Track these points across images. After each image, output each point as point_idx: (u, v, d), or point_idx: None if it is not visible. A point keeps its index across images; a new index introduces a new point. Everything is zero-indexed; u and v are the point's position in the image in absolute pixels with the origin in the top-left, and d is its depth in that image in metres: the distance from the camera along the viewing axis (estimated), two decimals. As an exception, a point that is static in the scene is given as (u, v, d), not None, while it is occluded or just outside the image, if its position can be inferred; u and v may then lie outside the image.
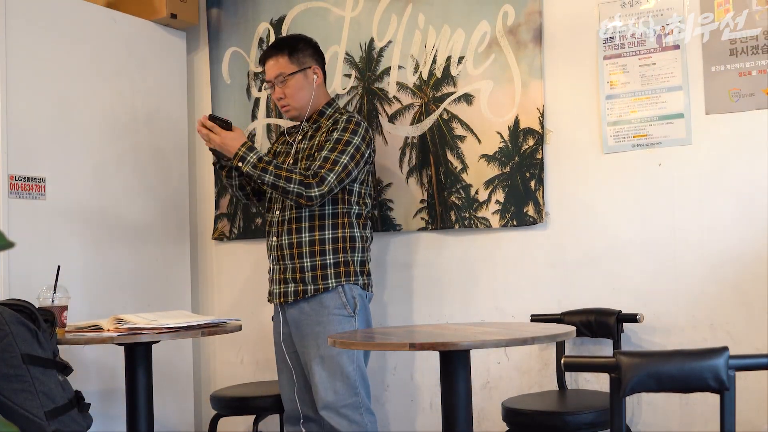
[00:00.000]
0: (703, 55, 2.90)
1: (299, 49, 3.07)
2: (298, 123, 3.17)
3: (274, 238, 3.04)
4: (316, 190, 2.85)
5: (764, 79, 2.80)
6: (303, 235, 2.97)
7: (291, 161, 3.07)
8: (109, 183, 3.52)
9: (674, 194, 2.94)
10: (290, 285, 2.99)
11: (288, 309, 3.02)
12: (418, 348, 2.18)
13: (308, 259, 2.96)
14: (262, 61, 3.14)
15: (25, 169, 3.18)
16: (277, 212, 3.04)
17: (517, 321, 3.16)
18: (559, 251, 3.13)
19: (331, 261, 2.96)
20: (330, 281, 2.94)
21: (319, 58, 3.13)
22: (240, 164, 2.88)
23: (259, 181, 2.90)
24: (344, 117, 3.01)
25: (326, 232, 2.97)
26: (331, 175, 2.87)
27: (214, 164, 3.20)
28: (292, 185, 2.84)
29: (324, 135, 2.99)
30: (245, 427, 3.73)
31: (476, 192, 3.25)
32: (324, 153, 2.91)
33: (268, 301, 3.14)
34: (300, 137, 3.11)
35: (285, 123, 3.56)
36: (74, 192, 3.37)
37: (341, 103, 3.52)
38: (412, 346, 2.14)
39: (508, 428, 2.79)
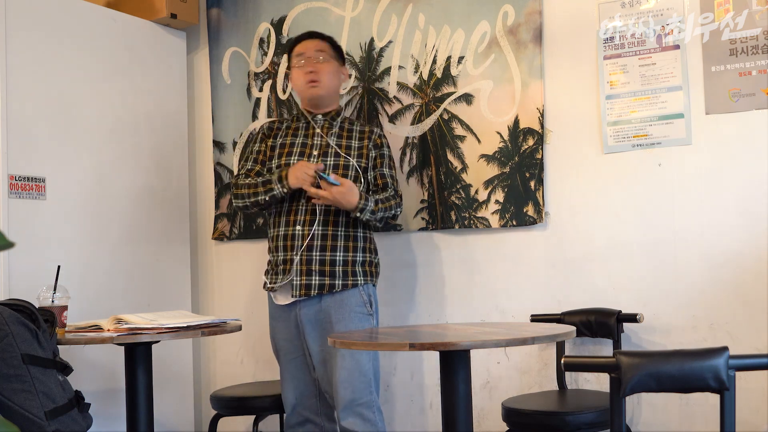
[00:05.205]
0: (703, 55, 2.90)
1: (339, 48, 3.19)
2: (282, 120, 3.20)
3: (298, 227, 2.95)
4: (401, 208, 3.07)
5: (764, 79, 2.80)
6: (339, 228, 2.97)
7: (318, 153, 3.02)
8: (108, 183, 3.52)
9: (674, 194, 2.94)
10: (314, 278, 2.93)
11: (302, 306, 2.97)
12: (418, 348, 2.18)
13: (341, 253, 2.96)
14: (299, 40, 3.13)
15: (25, 169, 3.18)
16: (303, 200, 2.97)
17: (517, 321, 3.16)
18: (559, 251, 3.13)
19: (360, 259, 3.00)
20: (358, 278, 2.98)
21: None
22: (359, 214, 2.90)
23: (370, 220, 2.94)
24: (375, 131, 3.12)
25: (359, 231, 3.02)
26: (399, 192, 3.08)
27: (282, 191, 2.94)
28: (394, 210, 3.01)
29: (365, 143, 3.06)
30: (245, 427, 3.73)
31: (476, 192, 3.25)
32: (387, 171, 3.07)
33: (272, 290, 3.03)
34: (325, 129, 3.08)
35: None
36: (74, 192, 3.37)
37: (341, 102, 3.52)
38: (412, 346, 2.14)
39: (508, 428, 2.79)
